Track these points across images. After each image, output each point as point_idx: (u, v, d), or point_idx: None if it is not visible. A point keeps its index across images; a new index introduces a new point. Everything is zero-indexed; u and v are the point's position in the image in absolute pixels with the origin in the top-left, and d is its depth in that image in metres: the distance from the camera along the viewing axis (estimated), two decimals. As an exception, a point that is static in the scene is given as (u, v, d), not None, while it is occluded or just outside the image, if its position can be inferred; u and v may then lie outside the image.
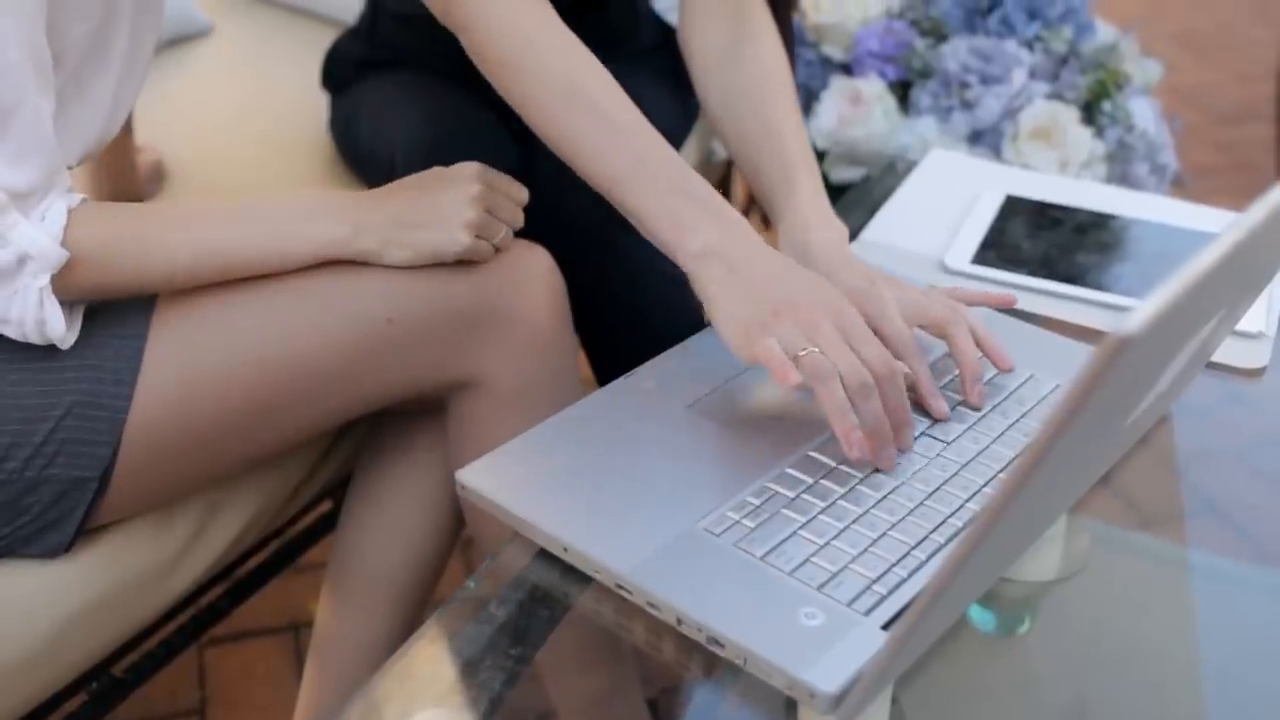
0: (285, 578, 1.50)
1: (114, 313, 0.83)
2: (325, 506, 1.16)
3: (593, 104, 0.83)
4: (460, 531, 1.04)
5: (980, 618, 0.72)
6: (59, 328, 0.78)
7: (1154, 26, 3.23)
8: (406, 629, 1.02)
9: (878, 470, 0.75)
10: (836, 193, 1.10)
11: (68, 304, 0.79)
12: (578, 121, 0.83)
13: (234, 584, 1.09)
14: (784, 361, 0.74)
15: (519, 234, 0.93)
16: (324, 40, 1.44)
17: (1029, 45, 1.44)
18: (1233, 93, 3.01)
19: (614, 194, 0.83)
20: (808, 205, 0.92)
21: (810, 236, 0.90)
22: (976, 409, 0.81)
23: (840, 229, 0.91)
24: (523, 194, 0.92)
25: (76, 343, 0.81)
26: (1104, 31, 1.49)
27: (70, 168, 0.83)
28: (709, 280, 0.79)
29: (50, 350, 0.81)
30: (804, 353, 0.74)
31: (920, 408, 0.81)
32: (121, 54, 0.84)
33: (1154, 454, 0.83)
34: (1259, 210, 0.50)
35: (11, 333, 0.78)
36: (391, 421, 1.02)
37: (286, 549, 1.15)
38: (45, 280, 0.77)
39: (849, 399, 0.73)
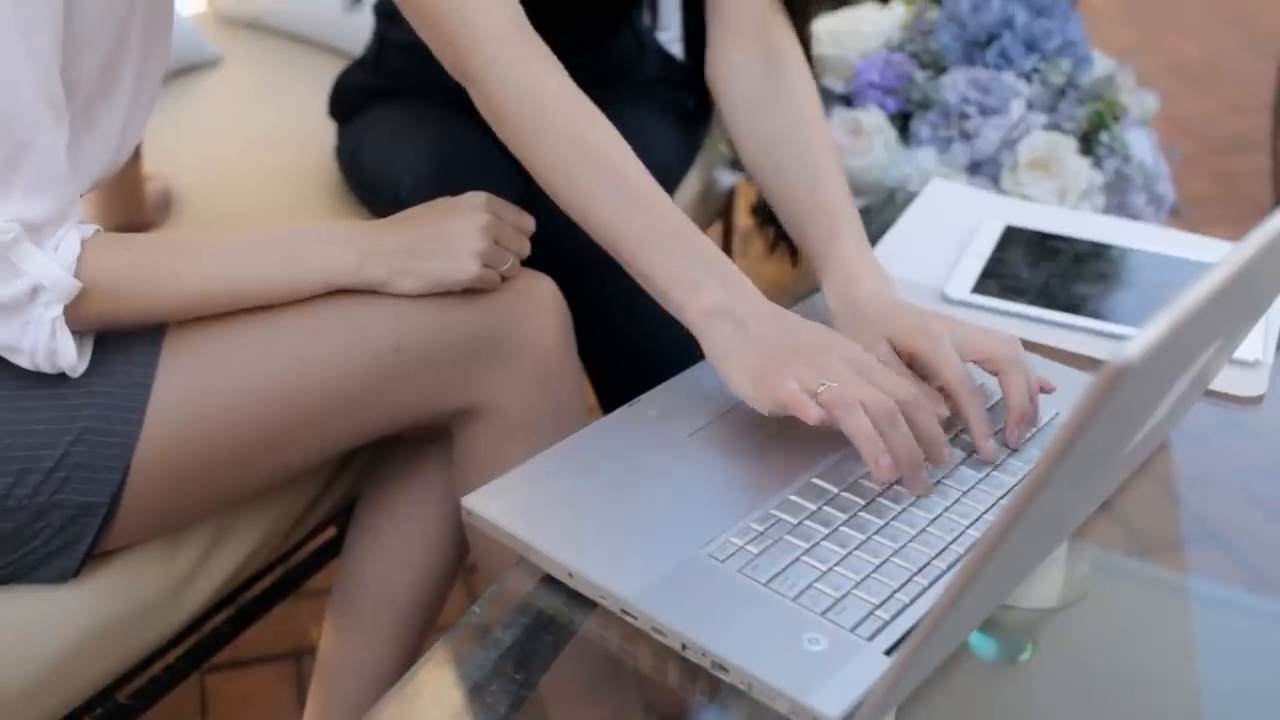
0: (288, 604, 1.50)
1: (125, 341, 0.84)
2: (330, 533, 1.17)
3: (603, 163, 0.85)
4: (464, 558, 1.04)
5: (982, 645, 0.73)
6: (70, 357, 0.79)
7: (1149, 57, 3.25)
8: (410, 656, 1.02)
9: (882, 497, 0.76)
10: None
11: (78, 333, 0.80)
12: (588, 179, 0.84)
13: (238, 610, 1.09)
14: (805, 400, 0.74)
15: (525, 263, 0.94)
16: (331, 70, 1.45)
17: (1027, 77, 1.46)
18: (1228, 123, 3.03)
19: (621, 251, 0.84)
20: (853, 257, 0.92)
21: (858, 290, 0.90)
22: (1012, 449, 0.81)
23: (886, 278, 0.91)
24: (529, 223, 0.93)
25: (88, 370, 0.82)
26: (1101, 64, 1.51)
27: (80, 195, 0.84)
28: (717, 337, 0.80)
29: (62, 377, 0.81)
30: (822, 389, 0.74)
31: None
32: (130, 83, 0.85)
33: (1153, 481, 0.84)
34: (1256, 240, 0.50)
35: (23, 362, 0.79)
36: (397, 448, 1.03)
37: (291, 575, 1.16)
38: (58, 311, 0.78)
39: (879, 427, 0.74)
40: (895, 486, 0.77)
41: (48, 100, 0.75)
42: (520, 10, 0.88)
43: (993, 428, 0.81)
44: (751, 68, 1.03)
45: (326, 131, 1.46)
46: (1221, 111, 3.09)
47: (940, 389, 0.81)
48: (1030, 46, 1.46)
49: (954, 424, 0.82)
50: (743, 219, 1.80)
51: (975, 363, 0.83)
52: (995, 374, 0.82)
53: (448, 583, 1.04)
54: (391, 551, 1.01)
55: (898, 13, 1.59)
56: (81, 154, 0.84)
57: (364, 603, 1.01)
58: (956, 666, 0.69)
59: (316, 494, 1.03)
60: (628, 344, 1.17)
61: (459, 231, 0.87)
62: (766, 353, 0.78)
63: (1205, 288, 0.48)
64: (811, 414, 0.73)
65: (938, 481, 0.78)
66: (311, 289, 0.86)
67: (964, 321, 0.84)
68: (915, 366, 0.83)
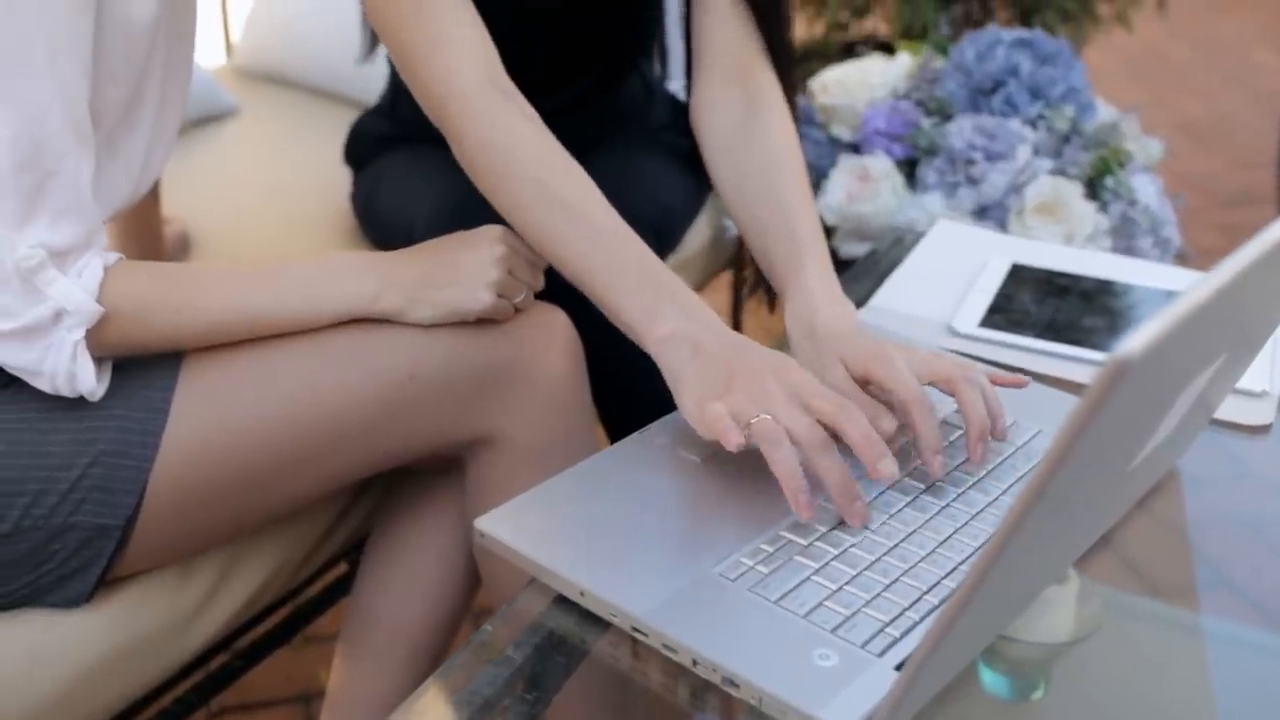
0: (296, 648, 1.51)
1: (143, 366, 0.85)
2: (341, 569, 1.17)
3: (562, 201, 0.88)
4: (476, 591, 1.05)
5: (994, 683, 0.73)
6: (89, 382, 0.81)
7: (1155, 115, 3.28)
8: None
9: (892, 520, 0.77)
10: (844, 267, 1.12)
11: (97, 359, 0.82)
12: (548, 216, 0.88)
13: (248, 644, 1.10)
14: (728, 425, 0.76)
15: (538, 297, 0.96)
16: (344, 120, 1.48)
17: (1032, 124, 1.48)
18: (1233, 178, 3.05)
19: (584, 284, 0.87)
20: (815, 285, 0.94)
21: (816, 317, 0.91)
22: (975, 467, 0.82)
23: (848, 307, 0.93)
24: (542, 258, 0.94)
25: (106, 394, 0.83)
26: (1105, 111, 1.53)
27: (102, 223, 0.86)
28: (673, 362, 0.82)
29: (80, 401, 0.83)
30: (755, 420, 0.76)
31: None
32: (152, 115, 0.87)
33: (1162, 522, 0.84)
34: (1259, 244, 0.51)
35: (43, 385, 0.81)
36: (410, 480, 1.04)
37: (301, 611, 1.16)
38: (80, 335, 0.79)
39: (808, 456, 0.75)
40: (905, 510, 0.78)
41: (74, 128, 0.77)
42: (498, 64, 0.93)
43: (948, 447, 0.82)
44: (732, 107, 1.06)
45: (340, 179, 1.48)
46: (1227, 167, 3.12)
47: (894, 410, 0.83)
48: (1035, 94, 1.48)
49: (909, 454, 0.83)
50: (753, 268, 1.81)
51: (931, 384, 0.84)
52: (952, 394, 0.83)
53: (459, 615, 1.04)
54: (403, 582, 1.01)
55: (904, 62, 1.61)
56: (103, 183, 0.86)
57: (375, 634, 1.01)
58: (969, 704, 0.69)
59: (329, 526, 1.04)
60: (639, 380, 1.17)
61: (474, 262, 0.89)
62: (711, 375, 0.80)
63: (1207, 289, 0.49)
64: (732, 440, 0.75)
65: (944, 504, 0.78)
66: (331, 318, 0.88)
67: (919, 348, 0.86)
68: (871, 390, 0.85)
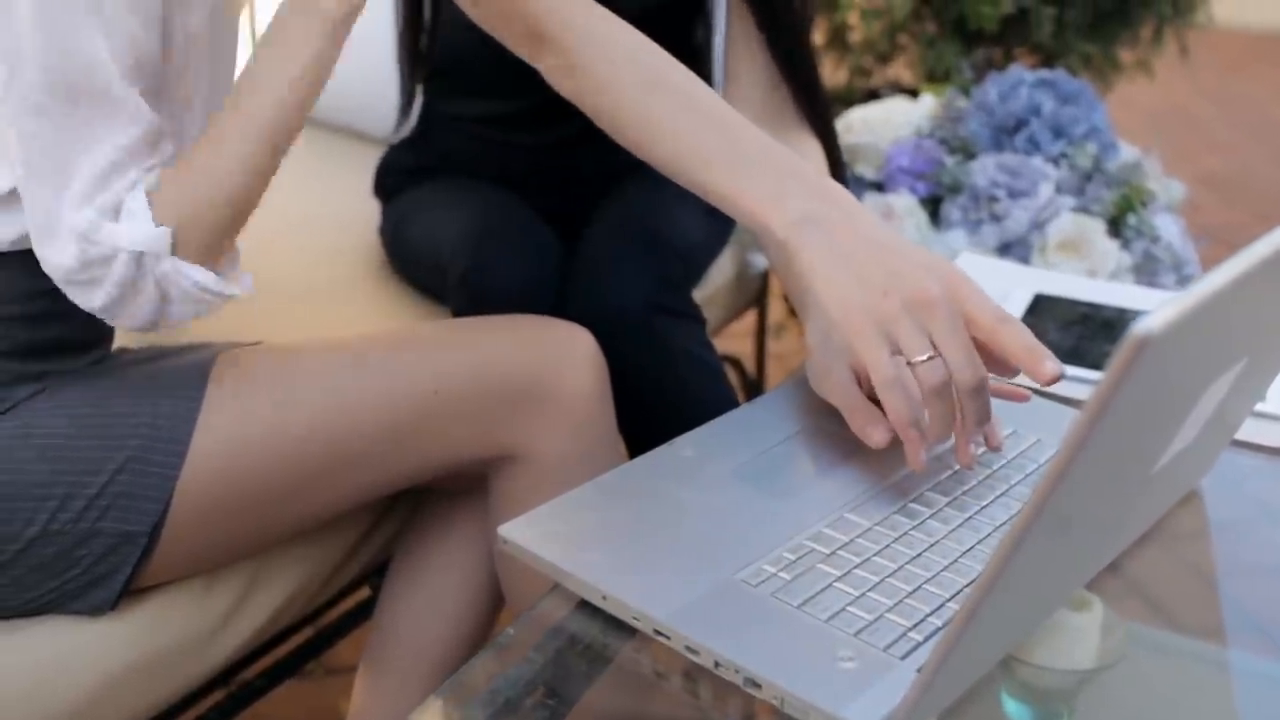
0: (318, 680, 1.50)
1: (172, 374, 0.87)
2: (364, 594, 1.17)
3: (678, 88, 0.83)
4: (499, 611, 1.05)
5: (1017, 713, 0.72)
6: (212, 281, 0.80)
7: (1176, 168, 3.28)
8: (440, 709, 1.02)
9: (915, 530, 0.76)
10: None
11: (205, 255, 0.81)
12: (662, 104, 0.83)
13: (271, 664, 1.10)
14: (870, 413, 0.75)
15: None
16: (371, 157, 1.51)
17: (1055, 162, 1.49)
18: (1256, 231, 3.03)
19: (698, 175, 0.81)
20: None
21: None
22: (967, 468, 0.82)
23: None
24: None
25: (135, 402, 0.84)
26: (1127, 151, 1.54)
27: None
28: (807, 249, 0.75)
29: (110, 406, 0.84)
30: (921, 363, 0.72)
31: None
32: (201, 104, 0.89)
33: (1186, 563, 0.83)
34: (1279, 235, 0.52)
35: (189, 312, 0.81)
36: (433, 501, 1.04)
37: (324, 635, 1.16)
38: (167, 264, 0.79)
39: (962, 394, 0.73)
40: (929, 521, 0.78)
41: (126, 73, 0.77)
42: None
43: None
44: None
45: (366, 213, 1.50)
46: (1249, 221, 3.13)
47: None
48: (1057, 133, 1.49)
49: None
50: (777, 305, 1.82)
51: None
52: None
53: (481, 636, 1.04)
54: (426, 602, 1.01)
55: (928, 103, 1.63)
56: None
57: (397, 653, 1.01)
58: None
59: (353, 545, 1.04)
60: (664, 404, 1.18)
61: None
62: (862, 273, 0.73)
63: (1228, 273, 0.49)
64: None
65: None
66: (337, 22, 0.81)
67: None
68: None
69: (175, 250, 0.79)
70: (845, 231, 0.75)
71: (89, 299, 0.79)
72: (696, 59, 1.30)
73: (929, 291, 0.72)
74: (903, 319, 0.72)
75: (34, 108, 0.75)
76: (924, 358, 0.72)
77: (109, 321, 0.82)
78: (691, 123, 0.81)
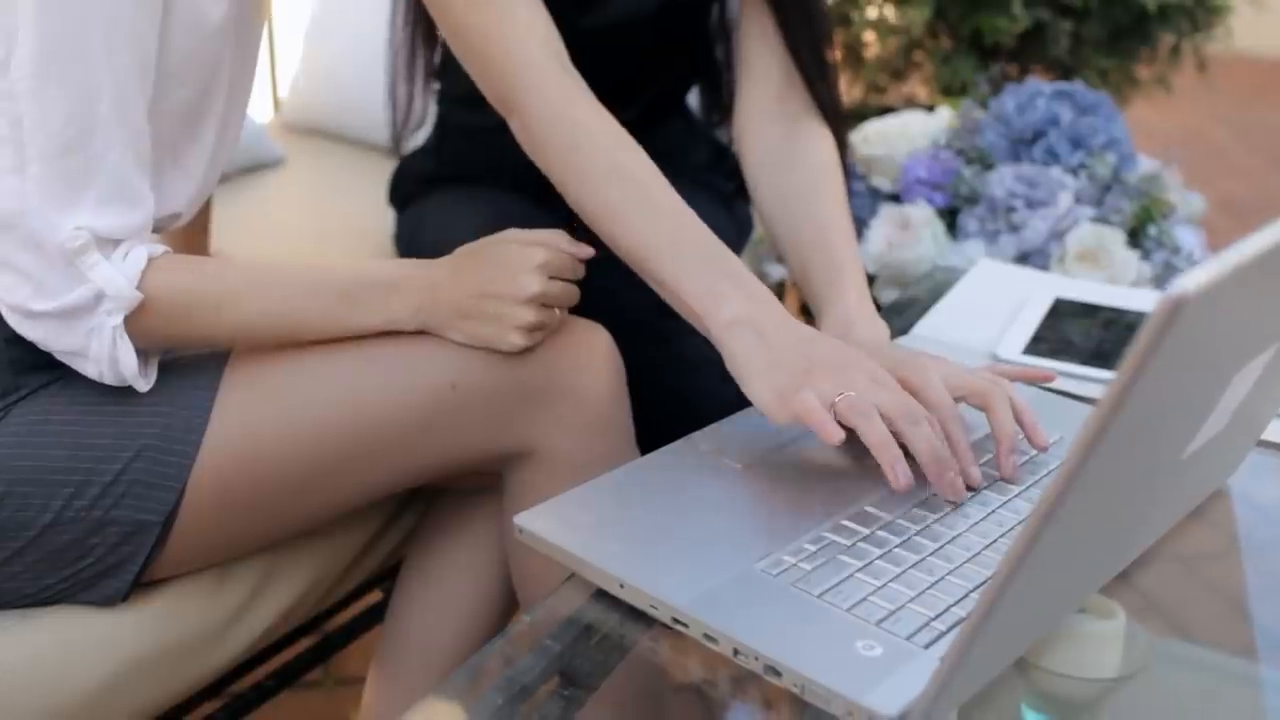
0: (327, 689, 1.49)
1: (189, 364, 0.86)
2: (375, 597, 1.16)
3: (634, 179, 0.88)
4: (512, 612, 1.04)
5: (1041, 723, 0.71)
6: (131, 366, 0.81)
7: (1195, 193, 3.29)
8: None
9: (938, 524, 0.75)
10: (882, 310, 1.12)
11: (142, 350, 0.82)
12: (617, 194, 0.88)
13: (282, 665, 1.09)
14: (823, 414, 0.76)
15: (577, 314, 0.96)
16: (386, 169, 1.51)
17: (1073, 173, 1.48)
18: (1277, 255, 3.04)
19: (647, 266, 0.87)
20: (853, 302, 0.95)
21: (851, 330, 0.92)
22: (1009, 482, 0.81)
23: (882, 327, 0.94)
24: (579, 269, 0.94)
25: (152, 391, 0.83)
26: (1146, 163, 1.53)
27: (156, 231, 0.87)
28: (739, 349, 0.81)
29: (127, 394, 0.83)
30: (840, 399, 0.76)
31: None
32: (216, 125, 0.89)
33: (1213, 586, 0.82)
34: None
35: (90, 371, 0.81)
36: (447, 501, 1.03)
37: (335, 637, 1.15)
38: (119, 320, 0.80)
39: (900, 429, 0.75)
40: (950, 515, 0.76)
41: (124, 122, 0.79)
42: (562, 47, 0.93)
43: (980, 458, 0.82)
44: (774, 127, 1.08)
45: (382, 223, 1.51)
46: (1269, 244, 3.12)
47: None
48: (1076, 143, 1.48)
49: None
50: (791, 302, 1.81)
51: (963, 399, 0.83)
52: (984, 409, 0.82)
53: (494, 636, 1.02)
54: (438, 601, 1.00)
55: (945, 115, 1.63)
56: (163, 192, 0.87)
57: (409, 652, 1.00)
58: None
59: (366, 542, 1.03)
60: (678, 407, 1.17)
61: (510, 304, 0.87)
62: (786, 364, 0.79)
63: (1261, 241, 0.48)
64: (831, 432, 0.75)
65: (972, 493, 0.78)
66: (371, 330, 0.88)
67: (951, 361, 0.85)
68: None
69: (126, 322, 0.80)
70: (774, 332, 0.81)
71: (20, 297, 0.79)
72: (711, 46, 1.30)
73: (842, 363, 0.78)
74: (818, 382, 0.77)
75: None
76: (839, 398, 0.76)
77: (16, 329, 0.81)
78: (647, 217, 0.87)
